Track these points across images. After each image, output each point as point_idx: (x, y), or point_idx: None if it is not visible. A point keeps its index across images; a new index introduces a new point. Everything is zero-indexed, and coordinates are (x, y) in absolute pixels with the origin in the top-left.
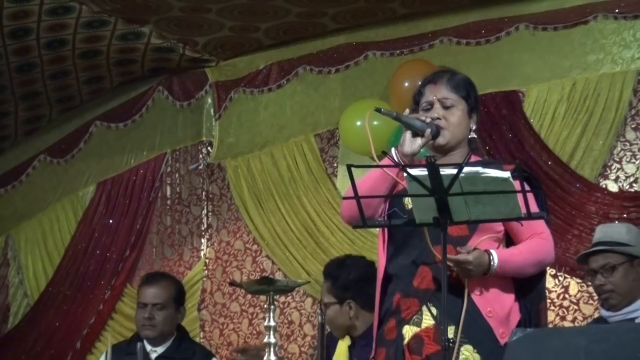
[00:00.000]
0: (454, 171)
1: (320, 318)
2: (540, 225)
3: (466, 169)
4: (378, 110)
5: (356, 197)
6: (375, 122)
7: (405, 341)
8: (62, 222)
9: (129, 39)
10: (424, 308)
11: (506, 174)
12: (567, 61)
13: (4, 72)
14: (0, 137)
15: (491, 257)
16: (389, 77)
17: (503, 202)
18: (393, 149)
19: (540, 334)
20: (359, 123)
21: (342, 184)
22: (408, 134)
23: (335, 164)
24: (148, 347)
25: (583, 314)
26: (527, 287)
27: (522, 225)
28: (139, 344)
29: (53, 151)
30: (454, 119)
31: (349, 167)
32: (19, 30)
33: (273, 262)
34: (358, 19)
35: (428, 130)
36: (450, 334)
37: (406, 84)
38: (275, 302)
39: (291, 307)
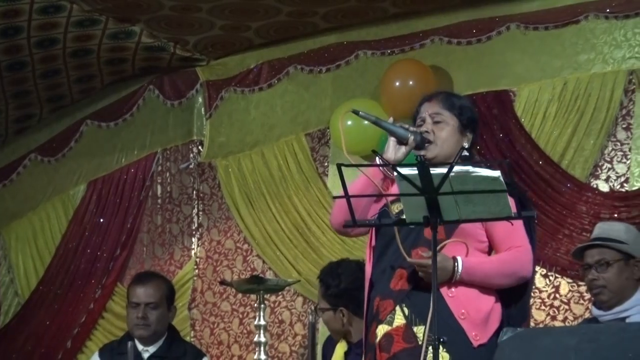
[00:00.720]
0: (444, 170)
1: (310, 318)
2: (520, 238)
3: (456, 168)
4: (355, 112)
5: (346, 196)
6: (365, 123)
7: (377, 339)
8: (53, 221)
9: (119, 38)
10: (397, 308)
11: (496, 173)
12: (558, 61)
13: None
14: None
15: (456, 264)
16: (380, 77)
17: (493, 201)
18: (378, 158)
19: (530, 333)
20: (349, 123)
21: (333, 184)
22: (392, 141)
23: (326, 164)
24: (140, 347)
25: (574, 314)
26: (510, 306)
27: (502, 237)
28: (129, 343)
29: (44, 150)
30: (442, 134)
31: (339, 166)
32: (9, 29)
33: (264, 262)
34: (349, 18)
35: (411, 138)
36: (420, 334)
37: (397, 84)
38: (266, 302)
39: (282, 306)
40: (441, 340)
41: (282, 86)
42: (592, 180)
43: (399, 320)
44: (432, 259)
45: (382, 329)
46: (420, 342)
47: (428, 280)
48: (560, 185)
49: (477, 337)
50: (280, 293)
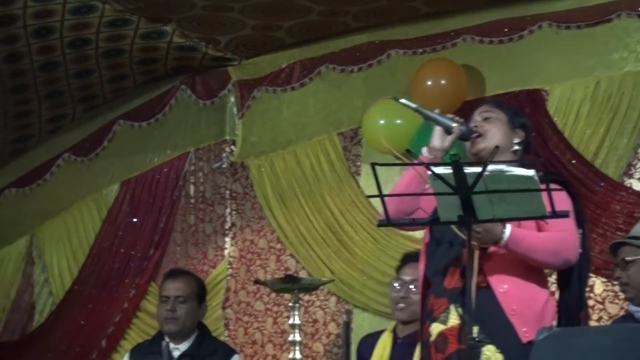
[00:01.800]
0: (479, 169)
1: (345, 317)
2: (567, 224)
3: (490, 167)
4: (396, 99)
5: (380, 195)
6: (397, 121)
7: (432, 339)
8: (87, 220)
9: (151, 38)
10: (452, 307)
11: (530, 172)
12: (591, 60)
13: (28, 71)
14: (24, 136)
15: (504, 229)
16: (412, 76)
17: (527, 200)
18: (425, 148)
19: (565, 333)
20: (382, 122)
21: (366, 183)
22: (438, 130)
23: (358, 163)
24: (170, 346)
25: (608, 314)
26: (567, 295)
27: (549, 223)
28: (163, 342)
29: (77, 150)
30: (491, 127)
31: (372, 165)
32: (42, 29)
33: (297, 261)
34: (380, 18)
35: (456, 126)
36: (474, 334)
37: (429, 83)
38: (300, 301)
39: (315, 305)
40: (476, 340)
41: (313, 85)
42: (625, 179)
43: (453, 320)
44: (468, 260)
45: (436, 328)
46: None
47: (480, 244)
48: (593, 185)
49: (527, 333)
50: (313, 292)
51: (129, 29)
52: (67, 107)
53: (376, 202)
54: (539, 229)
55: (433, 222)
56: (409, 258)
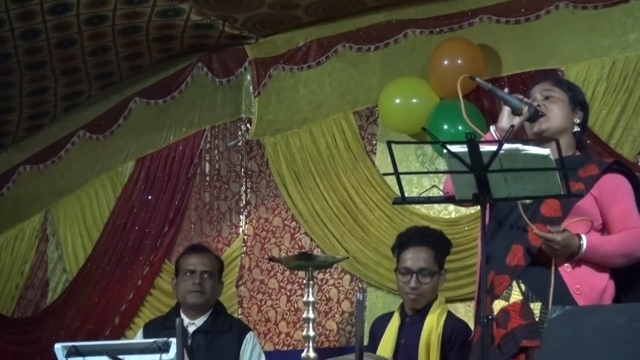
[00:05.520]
0: (494, 148)
1: (359, 295)
2: (634, 219)
3: (506, 146)
4: (472, 77)
5: (396, 173)
6: (414, 100)
7: (494, 315)
8: (101, 198)
9: (168, 16)
10: (514, 284)
11: (546, 151)
12: (607, 40)
13: (44, 49)
14: (40, 113)
15: (581, 242)
16: (429, 56)
17: (542, 179)
18: (492, 127)
19: (578, 311)
20: (398, 101)
21: (381, 162)
22: (507, 111)
23: (374, 142)
24: (186, 321)
25: None
26: (627, 284)
27: (617, 217)
28: (177, 319)
29: (92, 127)
30: (554, 107)
31: (389, 143)
32: (58, 6)
33: (311, 239)
34: None
35: (525, 108)
36: (536, 311)
37: (446, 62)
38: (314, 279)
39: (329, 284)
40: (490, 318)
41: (330, 64)
42: None
43: (516, 296)
44: (480, 238)
45: (498, 305)
46: (536, 319)
47: (552, 255)
48: None
49: None
50: (327, 271)
51: (146, 6)
52: (83, 84)
53: (391, 181)
54: (606, 224)
55: (449, 201)
56: (404, 244)
